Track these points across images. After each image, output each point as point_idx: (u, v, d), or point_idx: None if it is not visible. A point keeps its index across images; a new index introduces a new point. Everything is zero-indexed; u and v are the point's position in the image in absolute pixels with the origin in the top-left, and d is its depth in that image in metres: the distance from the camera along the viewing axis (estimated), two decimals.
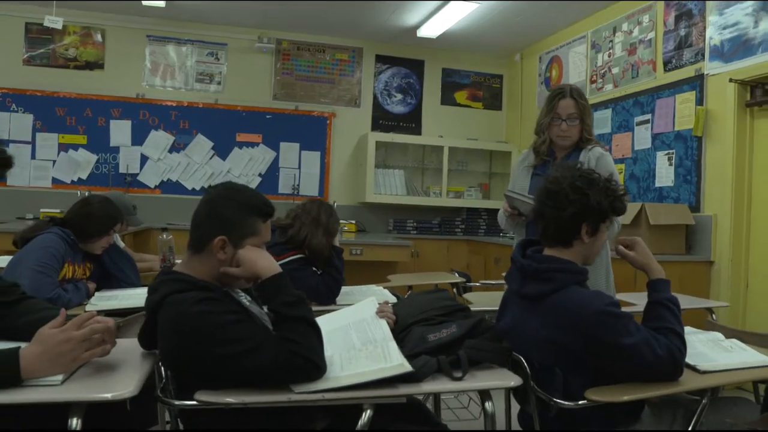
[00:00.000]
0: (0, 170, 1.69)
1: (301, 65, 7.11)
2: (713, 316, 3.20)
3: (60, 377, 1.45)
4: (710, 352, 2.04)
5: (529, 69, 7.21)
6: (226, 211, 1.67)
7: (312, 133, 7.17)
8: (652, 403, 1.96)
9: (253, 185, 6.91)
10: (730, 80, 4.23)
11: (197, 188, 6.79)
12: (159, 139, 6.67)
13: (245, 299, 1.76)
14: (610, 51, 5.68)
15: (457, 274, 4.66)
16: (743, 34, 4.22)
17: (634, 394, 1.77)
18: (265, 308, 1.87)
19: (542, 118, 2.88)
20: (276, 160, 7.04)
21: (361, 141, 7.20)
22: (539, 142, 2.88)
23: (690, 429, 1.85)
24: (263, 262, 1.61)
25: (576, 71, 6.25)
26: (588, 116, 2.77)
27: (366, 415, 1.55)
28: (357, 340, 1.82)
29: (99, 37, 6.53)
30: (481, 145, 7.47)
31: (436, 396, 2.60)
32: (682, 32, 4.78)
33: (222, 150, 6.86)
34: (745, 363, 1.96)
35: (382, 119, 7.40)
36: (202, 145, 6.79)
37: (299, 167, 7.13)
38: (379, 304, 2.01)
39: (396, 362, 1.60)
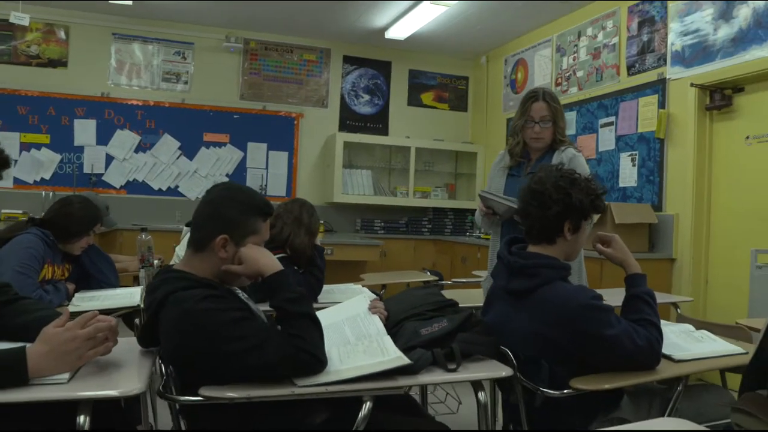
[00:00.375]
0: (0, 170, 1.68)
1: (268, 65, 7.10)
2: (678, 310, 3.34)
3: (66, 375, 1.46)
4: (683, 343, 2.15)
5: (495, 71, 7.34)
6: (228, 211, 1.70)
7: (279, 133, 7.17)
8: (630, 392, 2.06)
9: None
10: (692, 85, 4.40)
11: (164, 188, 6.72)
12: (125, 139, 6.58)
13: (243, 296, 1.79)
14: (575, 55, 5.84)
15: (428, 273, 4.73)
16: (703, 41, 4.40)
17: (616, 383, 1.86)
18: (260, 305, 1.90)
19: (516, 120, 2.96)
20: (243, 160, 7.02)
21: (328, 141, 7.23)
22: (513, 144, 2.97)
23: (667, 414, 1.94)
24: (265, 259, 1.65)
25: (541, 74, 6.40)
26: (561, 119, 2.86)
27: (366, 406, 1.60)
28: (351, 335, 1.87)
29: (62, 35, 6.40)
30: (447, 146, 7.57)
31: (423, 389, 2.66)
32: (645, 38, 4.95)
33: (189, 150, 6.81)
34: (715, 352, 2.08)
35: (349, 120, 7.44)
36: (168, 145, 6.73)
37: (267, 167, 7.12)
38: (370, 300, 2.05)
39: (394, 355, 1.65)
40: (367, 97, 7.50)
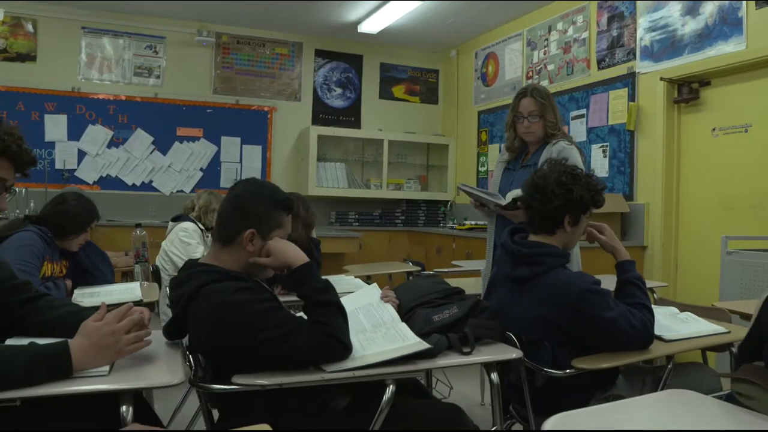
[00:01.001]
0: (26, 168, 1.71)
1: (241, 59, 7.09)
2: (655, 295, 3.51)
3: (107, 368, 1.52)
4: (671, 324, 2.29)
5: (465, 65, 7.47)
6: (255, 206, 1.76)
7: (253, 127, 7.18)
8: (624, 371, 2.19)
9: (194, 180, 6.88)
10: (661, 79, 4.59)
11: (138, 184, 6.68)
12: (97, 134, 6.51)
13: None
14: (546, 49, 6.00)
15: (411, 263, 4.84)
16: (671, 36, 4.59)
17: (614, 362, 1.99)
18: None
19: (508, 116, 3.08)
20: (217, 154, 7.01)
21: (302, 135, 7.26)
22: (510, 140, 3.08)
23: (660, 389, 2.08)
24: (292, 251, 1.73)
25: (512, 67, 6.55)
26: (550, 113, 2.97)
27: (389, 390, 1.69)
28: (367, 323, 1.95)
29: (30, 28, 6.29)
30: (418, 139, 7.68)
31: (428, 374, 2.77)
32: (615, 33, 5.13)
33: (162, 145, 6.77)
34: (701, 332, 2.23)
35: (322, 113, 7.48)
36: (141, 139, 6.68)
37: (241, 161, 7.12)
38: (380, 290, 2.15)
39: (414, 340, 1.75)
40: (339, 90, 7.56)
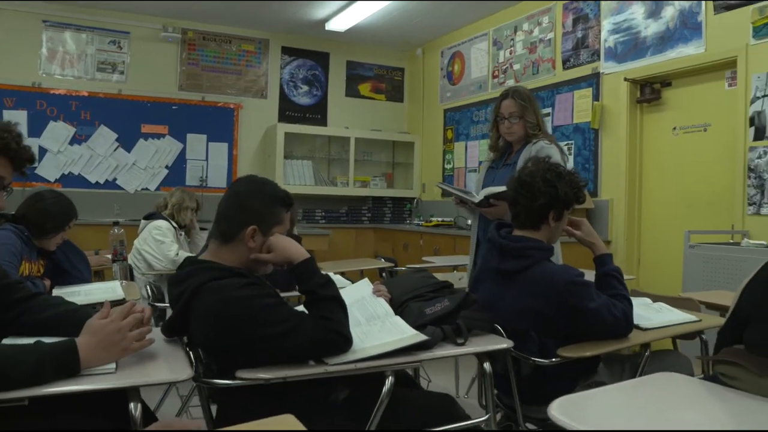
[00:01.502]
0: (24, 166, 1.71)
1: (207, 55, 7.04)
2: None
3: (113, 365, 1.53)
4: (646, 314, 2.40)
5: (431, 63, 7.56)
6: (256, 203, 1.79)
7: (219, 124, 7.13)
8: (604, 359, 2.29)
9: (160, 178, 6.80)
10: (625, 79, 4.74)
11: (101, 182, 6.56)
12: (58, 131, 6.37)
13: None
14: (512, 49, 6.12)
15: (383, 260, 4.90)
16: (634, 38, 4.74)
17: (597, 350, 2.08)
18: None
19: (491, 118, 3.18)
20: (183, 151, 6.94)
21: (268, 132, 7.24)
22: (494, 139, 3.18)
23: (638, 375, 2.18)
24: (294, 248, 1.76)
25: (478, 66, 6.66)
26: (530, 114, 3.05)
27: (389, 381, 1.74)
28: (361, 317, 2.00)
29: None
30: (384, 136, 7.75)
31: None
32: (580, 34, 5.27)
33: (126, 142, 6.67)
34: (675, 320, 2.35)
35: (288, 110, 7.47)
36: (105, 136, 6.56)
37: (207, 159, 7.07)
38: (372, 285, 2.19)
39: (411, 333, 1.81)
40: (305, 87, 7.56)
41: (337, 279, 3.32)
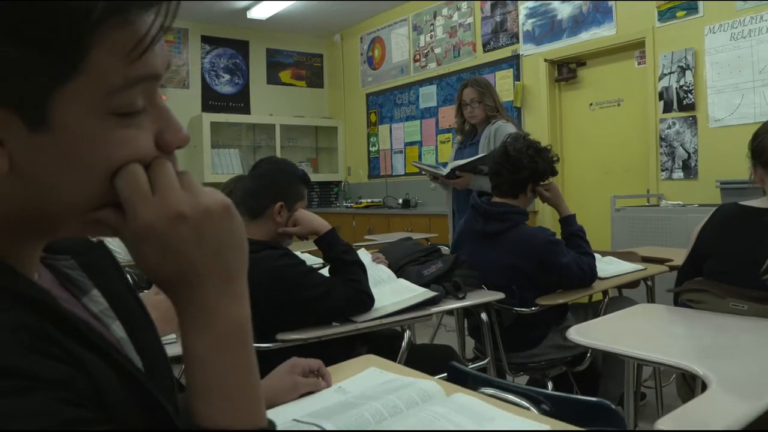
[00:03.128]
0: None
1: None
2: None
3: (174, 335, 1.66)
4: (601, 266, 2.73)
5: (350, 49, 7.74)
6: (282, 181, 1.95)
7: None
8: (570, 306, 2.62)
9: None
10: (545, 60, 5.14)
11: None
12: None
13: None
14: (432, 33, 6.41)
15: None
16: (550, 22, 5.14)
17: (568, 298, 2.40)
18: None
19: (455, 105, 3.60)
20: None
21: (193, 122, 7.20)
22: (459, 124, 3.54)
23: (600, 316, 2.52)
24: (318, 220, 1.94)
25: (399, 51, 6.91)
26: (488, 98, 3.46)
27: (407, 335, 1.98)
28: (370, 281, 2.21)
29: None
30: (307, 122, 7.88)
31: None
32: (498, 18, 5.62)
33: None
34: (625, 270, 2.71)
35: (211, 100, 7.45)
36: None
37: None
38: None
39: (422, 290, 2.04)
40: (227, 76, 7.55)
41: (306, 257, 3.49)
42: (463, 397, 0.98)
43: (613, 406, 1.00)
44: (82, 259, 0.70)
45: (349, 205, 7.27)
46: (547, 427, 0.88)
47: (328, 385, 1.21)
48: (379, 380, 1.15)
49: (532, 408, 1.02)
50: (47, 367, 0.47)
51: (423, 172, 3.46)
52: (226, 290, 0.57)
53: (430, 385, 1.05)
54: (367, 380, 1.17)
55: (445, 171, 3.17)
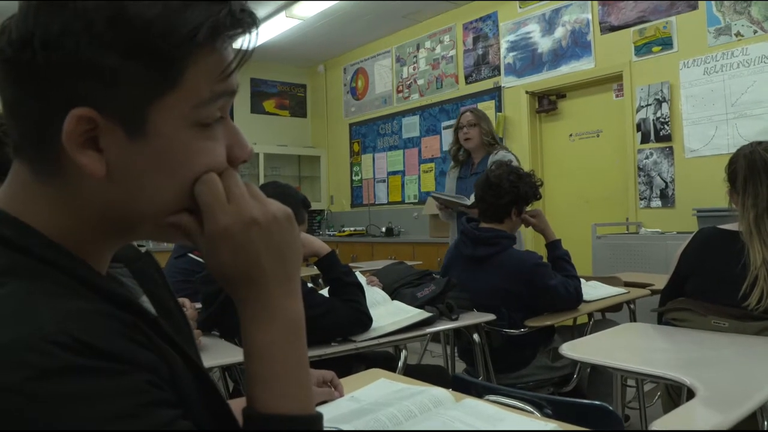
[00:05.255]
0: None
1: None
2: None
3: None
4: (586, 290, 2.83)
5: (334, 79, 7.88)
6: (287, 205, 2.01)
7: None
8: (557, 328, 2.70)
9: None
10: (526, 92, 5.30)
11: None
12: None
13: None
14: (415, 65, 6.57)
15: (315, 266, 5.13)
16: (531, 55, 5.32)
17: (556, 320, 2.48)
18: None
19: (453, 132, 3.75)
20: None
21: None
22: (454, 149, 3.70)
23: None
24: (318, 242, 2.01)
25: (382, 82, 7.05)
26: (485, 123, 3.60)
27: (403, 354, 2.04)
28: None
29: None
30: (291, 151, 7.97)
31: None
32: (480, 51, 5.79)
33: None
34: (609, 293, 2.81)
35: None
36: None
37: None
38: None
39: (417, 311, 2.11)
40: None
41: None
42: (473, 401, 1.05)
43: (611, 408, 1.07)
44: (133, 266, 0.76)
45: (332, 233, 7.34)
46: (555, 427, 0.95)
47: (341, 395, 1.26)
48: (390, 389, 1.22)
49: (535, 412, 1.09)
50: (140, 354, 0.53)
51: (439, 204, 3.59)
52: (287, 288, 0.64)
53: (441, 392, 1.12)
54: (378, 389, 1.23)
55: (469, 201, 3.30)
